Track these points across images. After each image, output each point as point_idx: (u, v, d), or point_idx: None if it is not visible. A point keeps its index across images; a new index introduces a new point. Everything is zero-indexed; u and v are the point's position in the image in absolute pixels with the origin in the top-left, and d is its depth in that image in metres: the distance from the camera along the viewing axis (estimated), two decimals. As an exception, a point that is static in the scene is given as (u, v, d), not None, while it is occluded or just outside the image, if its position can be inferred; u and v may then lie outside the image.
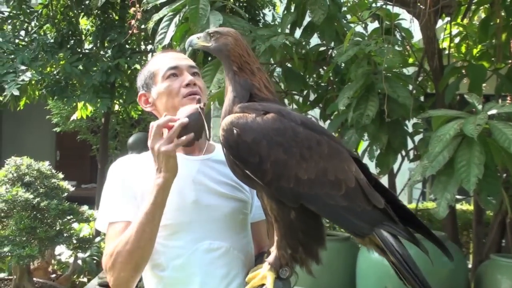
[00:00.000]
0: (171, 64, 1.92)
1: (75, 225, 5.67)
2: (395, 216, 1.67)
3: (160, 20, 3.43)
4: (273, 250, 1.64)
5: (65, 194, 4.63)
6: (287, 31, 4.27)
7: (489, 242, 4.20)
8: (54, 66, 6.12)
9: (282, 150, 1.54)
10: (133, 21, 3.54)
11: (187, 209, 1.82)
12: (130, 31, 3.68)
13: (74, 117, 7.49)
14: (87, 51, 6.43)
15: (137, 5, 3.50)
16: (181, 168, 1.73)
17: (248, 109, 1.63)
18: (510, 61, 4.28)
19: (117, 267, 1.70)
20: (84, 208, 4.86)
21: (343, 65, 4.39)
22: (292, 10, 4.33)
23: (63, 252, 5.71)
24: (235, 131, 1.56)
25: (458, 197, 4.78)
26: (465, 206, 7.08)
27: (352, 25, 4.28)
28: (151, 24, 3.50)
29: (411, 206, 7.22)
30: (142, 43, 6.64)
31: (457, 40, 5.01)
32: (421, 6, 3.61)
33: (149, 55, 6.25)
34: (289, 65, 4.51)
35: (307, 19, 4.24)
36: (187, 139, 1.66)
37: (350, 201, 1.58)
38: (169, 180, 1.68)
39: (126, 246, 1.69)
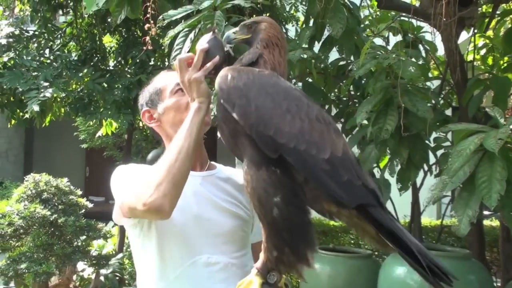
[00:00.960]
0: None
1: (100, 241, 5.69)
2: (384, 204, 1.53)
3: (176, 36, 3.43)
4: (261, 255, 1.58)
5: (83, 210, 4.64)
6: (306, 45, 4.23)
7: (516, 260, 4.05)
8: (79, 83, 6.19)
9: (269, 98, 1.55)
10: (147, 38, 3.54)
11: (188, 222, 1.80)
12: (144, 48, 3.68)
13: (99, 133, 7.57)
14: (111, 68, 6.50)
15: (152, 22, 3.51)
16: None
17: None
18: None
19: (153, 183, 1.61)
20: (102, 225, 4.86)
21: (364, 79, 4.32)
22: (311, 24, 4.29)
23: (85, 269, 5.72)
24: (230, 75, 1.60)
25: (486, 213, 4.63)
26: (494, 222, 6.88)
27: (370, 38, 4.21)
28: (166, 40, 3.50)
29: (439, 221, 7.04)
30: (166, 59, 6.67)
31: (483, 52, 4.91)
32: (443, 18, 3.53)
33: (172, 71, 6.25)
34: (309, 79, 4.46)
35: (326, 33, 4.20)
36: (214, 62, 1.72)
37: (333, 168, 1.47)
38: (204, 103, 1.72)
39: (164, 161, 1.65)
